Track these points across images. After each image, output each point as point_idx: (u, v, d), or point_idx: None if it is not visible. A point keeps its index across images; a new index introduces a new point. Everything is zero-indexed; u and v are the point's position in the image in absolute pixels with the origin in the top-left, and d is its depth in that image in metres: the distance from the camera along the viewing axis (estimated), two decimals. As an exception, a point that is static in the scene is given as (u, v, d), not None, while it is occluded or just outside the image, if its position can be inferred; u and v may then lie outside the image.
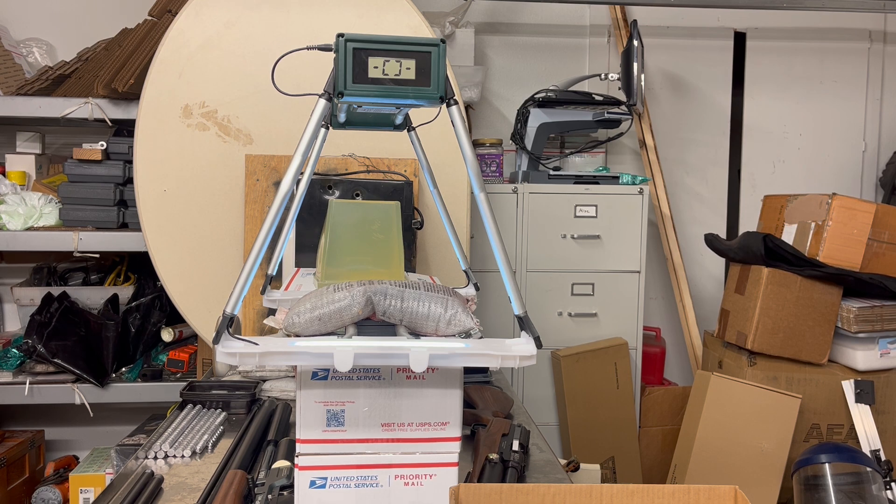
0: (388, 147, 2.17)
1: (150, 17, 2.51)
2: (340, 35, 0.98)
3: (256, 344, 0.94)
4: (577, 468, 2.07)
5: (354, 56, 0.98)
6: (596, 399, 2.86)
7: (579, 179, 2.89)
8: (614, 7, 3.27)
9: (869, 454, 2.50)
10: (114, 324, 2.53)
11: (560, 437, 2.92)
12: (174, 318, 2.67)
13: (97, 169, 2.48)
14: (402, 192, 1.96)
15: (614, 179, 2.90)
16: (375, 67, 0.98)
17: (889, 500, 2.38)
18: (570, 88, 3.05)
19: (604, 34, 3.35)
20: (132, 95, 2.39)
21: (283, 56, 1.21)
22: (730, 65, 3.44)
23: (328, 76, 1.02)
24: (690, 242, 3.42)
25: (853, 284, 2.61)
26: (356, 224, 1.39)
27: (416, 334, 1.03)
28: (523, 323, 1.03)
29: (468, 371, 1.53)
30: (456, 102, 1.02)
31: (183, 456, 1.39)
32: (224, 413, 1.61)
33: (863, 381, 2.60)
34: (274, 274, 1.46)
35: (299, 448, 1.01)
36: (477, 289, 1.52)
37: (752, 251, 2.70)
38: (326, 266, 1.31)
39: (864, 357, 2.62)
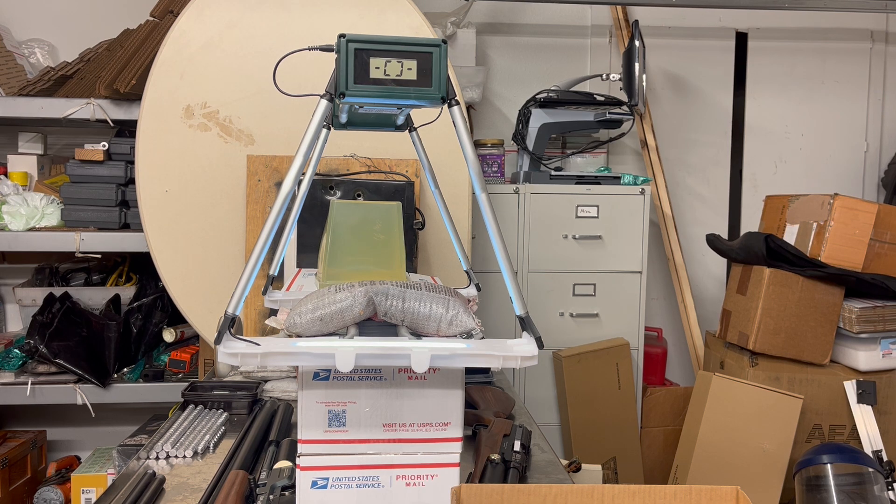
0: (390, 147, 2.17)
1: (151, 18, 2.52)
2: (342, 35, 0.98)
3: (258, 344, 0.94)
4: (578, 469, 2.07)
5: (356, 56, 0.98)
6: (597, 399, 2.86)
7: (581, 180, 2.89)
8: (616, 7, 3.27)
9: (871, 455, 2.49)
10: (115, 324, 2.53)
11: (561, 437, 2.92)
12: (176, 318, 2.67)
13: (99, 169, 2.48)
14: (403, 193, 1.96)
15: (616, 180, 2.90)
16: (377, 68, 0.98)
17: (891, 500, 2.38)
18: (572, 89, 3.05)
19: (605, 34, 3.35)
20: (134, 96, 2.39)
21: (284, 56, 1.21)
22: (731, 65, 3.44)
23: (329, 76, 1.02)
24: (692, 243, 3.41)
25: (855, 285, 2.61)
26: (358, 224, 1.39)
27: (417, 335, 1.03)
28: (525, 323, 1.03)
29: (470, 371, 1.53)
30: (457, 103, 1.02)
31: (185, 456, 1.39)
32: (226, 413, 1.61)
33: (865, 381, 2.59)
34: (275, 274, 1.46)
35: (301, 448, 1.01)
36: (478, 289, 1.52)
37: (754, 251, 2.70)
38: (328, 266, 1.31)
39: (865, 357, 2.62)
